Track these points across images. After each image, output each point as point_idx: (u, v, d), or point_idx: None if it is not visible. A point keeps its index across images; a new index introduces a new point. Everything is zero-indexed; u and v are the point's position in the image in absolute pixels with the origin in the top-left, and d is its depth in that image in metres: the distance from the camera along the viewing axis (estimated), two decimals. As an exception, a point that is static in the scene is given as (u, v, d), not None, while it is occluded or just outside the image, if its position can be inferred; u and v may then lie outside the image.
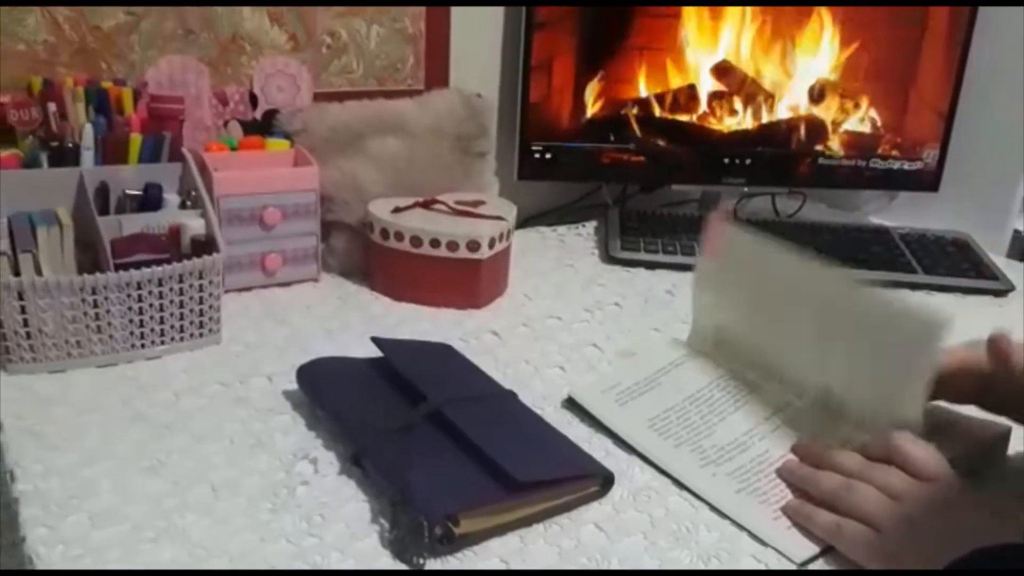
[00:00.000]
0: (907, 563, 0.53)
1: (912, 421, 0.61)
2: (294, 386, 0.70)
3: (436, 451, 0.60)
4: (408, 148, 0.96)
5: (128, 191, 0.82)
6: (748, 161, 1.12)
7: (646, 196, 1.22)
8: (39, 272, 0.71)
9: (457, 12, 1.03)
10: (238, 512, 0.57)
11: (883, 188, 1.20)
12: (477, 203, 0.94)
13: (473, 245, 0.87)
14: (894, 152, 1.13)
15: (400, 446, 0.59)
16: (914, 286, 1.00)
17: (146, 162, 0.83)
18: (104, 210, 0.80)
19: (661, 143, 1.11)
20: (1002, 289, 1.00)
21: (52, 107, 0.81)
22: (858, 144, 1.13)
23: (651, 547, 0.57)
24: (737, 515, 0.60)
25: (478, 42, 1.07)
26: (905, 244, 1.08)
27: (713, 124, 1.11)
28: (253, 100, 0.95)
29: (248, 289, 0.88)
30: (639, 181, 1.19)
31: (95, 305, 0.71)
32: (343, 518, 0.57)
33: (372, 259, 0.92)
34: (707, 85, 1.10)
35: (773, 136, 1.12)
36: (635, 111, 1.09)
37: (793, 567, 0.56)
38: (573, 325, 0.87)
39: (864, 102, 1.11)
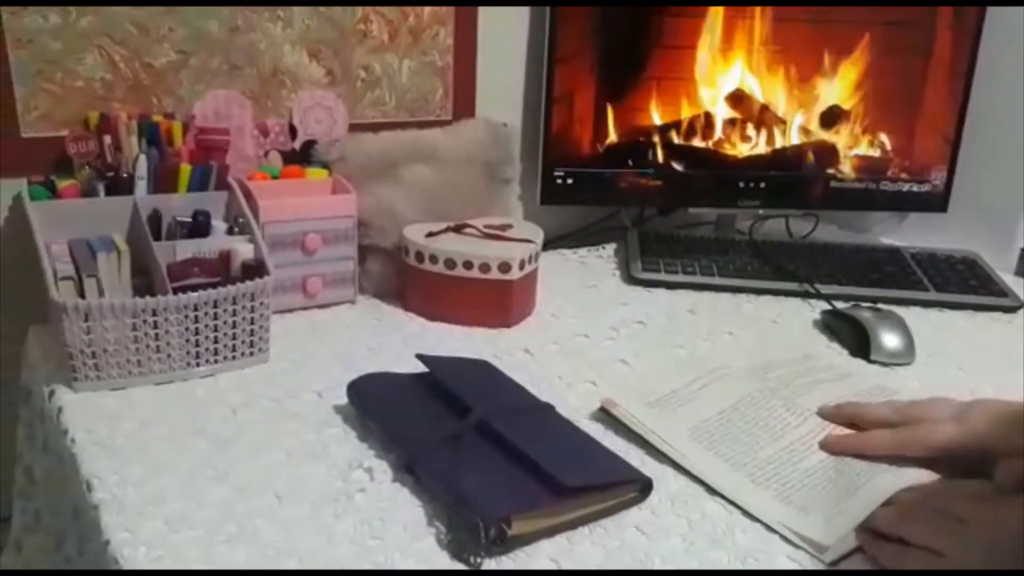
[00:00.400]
0: None
1: None
2: (342, 401, 0.74)
3: (485, 459, 0.63)
4: (439, 175, 1.01)
5: (178, 218, 0.86)
6: (762, 184, 1.16)
7: (663, 219, 1.27)
8: (102, 295, 0.75)
9: (483, 47, 1.08)
10: (302, 517, 0.60)
11: (893, 209, 1.24)
12: (505, 227, 0.99)
13: (504, 267, 0.91)
14: (903, 175, 1.18)
15: (451, 455, 0.63)
16: (926, 304, 1.04)
17: (194, 191, 0.88)
18: (156, 236, 0.84)
19: (678, 168, 1.16)
20: (1011, 306, 1.04)
21: (108, 140, 0.86)
22: (868, 167, 1.17)
23: (690, 548, 0.60)
24: (769, 517, 0.63)
25: (503, 75, 1.12)
26: (916, 263, 1.12)
27: (728, 149, 1.16)
28: (292, 131, 1.00)
29: (290, 311, 0.92)
30: (657, 204, 1.24)
31: (155, 326, 0.75)
32: (401, 521, 0.60)
33: (407, 281, 0.96)
34: (722, 112, 1.15)
35: (786, 160, 1.17)
36: (654, 137, 1.14)
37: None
38: (601, 343, 0.91)
39: (873, 128, 1.16)
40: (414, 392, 0.73)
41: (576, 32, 1.07)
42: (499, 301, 0.93)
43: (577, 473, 0.61)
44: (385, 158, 0.99)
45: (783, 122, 1.15)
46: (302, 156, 1.00)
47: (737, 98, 1.14)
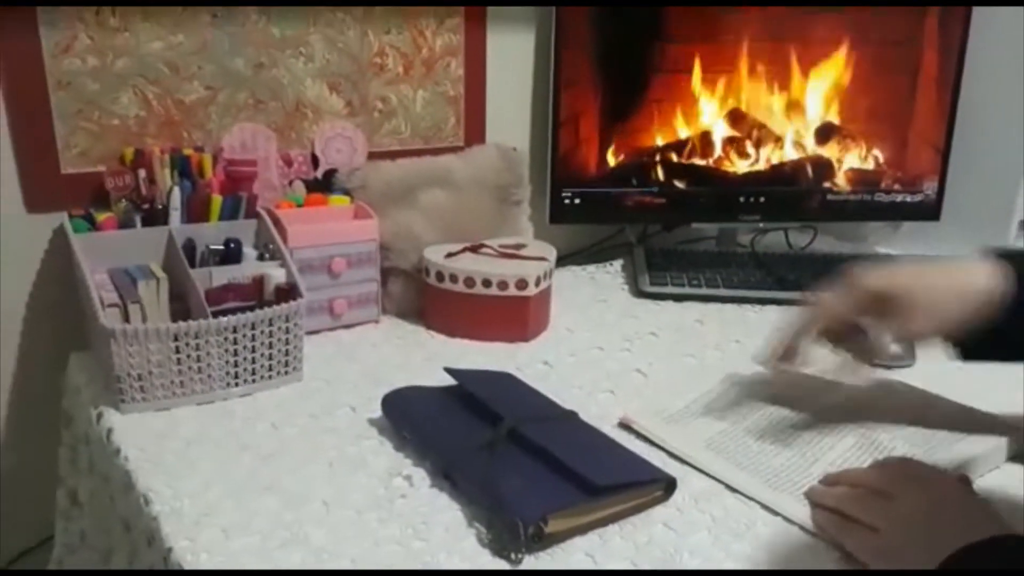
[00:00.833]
0: (907, 559, 0.58)
1: None
2: (376, 414, 0.78)
3: (518, 463, 0.67)
4: (454, 199, 1.06)
5: (211, 246, 0.90)
6: (762, 199, 1.21)
7: (666, 234, 1.32)
8: (145, 320, 0.79)
9: (492, 76, 1.13)
10: (349, 523, 0.64)
11: (888, 219, 1.29)
12: (519, 246, 1.03)
13: (522, 284, 0.96)
14: (896, 186, 1.23)
15: (486, 461, 0.67)
16: (923, 308, 1.08)
17: (226, 220, 0.92)
18: (191, 263, 0.88)
19: (680, 185, 1.20)
20: (1004, 307, 1.08)
21: (142, 173, 0.90)
22: (863, 180, 1.22)
23: (716, 541, 0.64)
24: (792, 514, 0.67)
25: (511, 102, 1.17)
26: (912, 270, 1.16)
27: (728, 167, 1.21)
28: (314, 161, 1.04)
29: (317, 332, 0.96)
30: (661, 221, 1.29)
31: (197, 348, 0.79)
32: (442, 524, 0.64)
33: (427, 300, 1.00)
34: (720, 131, 1.20)
35: (784, 175, 1.22)
36: (656, 157, 1.19)
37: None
38: (615, 353, 0.95)
39: (866, 142, 1.21)
40: (445, 403, 0.77)
41: (580, 58, 1.12)
42: (517, 316, 0.97)
43: (606, 473, 0.65)
44: (403, 184, 1.04)
45: (779, 138, 1.21)
46: (324, 184, 1.04)
47: (736, 116, 1.20)
